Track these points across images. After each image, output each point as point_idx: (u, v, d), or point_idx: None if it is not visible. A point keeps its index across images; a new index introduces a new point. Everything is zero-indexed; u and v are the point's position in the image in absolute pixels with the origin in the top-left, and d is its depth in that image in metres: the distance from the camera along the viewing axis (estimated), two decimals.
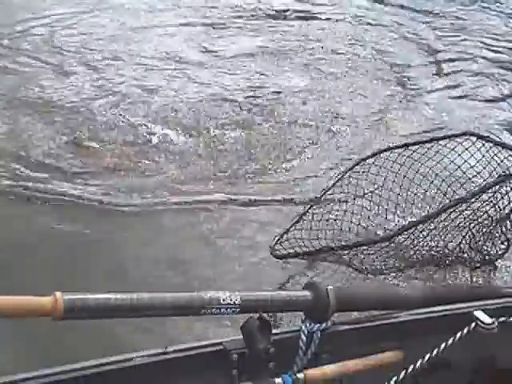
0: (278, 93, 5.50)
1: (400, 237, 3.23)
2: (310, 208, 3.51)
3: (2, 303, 1.12)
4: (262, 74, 5.85)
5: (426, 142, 3.59)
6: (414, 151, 3.52)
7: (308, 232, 3.41)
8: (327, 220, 3.48)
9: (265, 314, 1.39)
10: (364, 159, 3.66)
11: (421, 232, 3.21)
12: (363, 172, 3.58)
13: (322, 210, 3.54)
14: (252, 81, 5.72)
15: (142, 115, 5.00)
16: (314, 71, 5.94)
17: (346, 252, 3.24)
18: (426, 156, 3.49)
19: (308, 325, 1.45)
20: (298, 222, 3.45)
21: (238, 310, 1.35)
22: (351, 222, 3.51)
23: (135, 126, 4.84)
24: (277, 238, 3.39)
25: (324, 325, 1.46)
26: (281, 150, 4.68)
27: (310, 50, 6.35)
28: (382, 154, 3.63)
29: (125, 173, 4.31)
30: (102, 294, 1.24)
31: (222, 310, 1.33)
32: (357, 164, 3.65)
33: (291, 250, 3.33)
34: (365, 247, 3.20)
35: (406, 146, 3.59)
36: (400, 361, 1.54)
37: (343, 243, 3.29)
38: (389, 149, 3.66)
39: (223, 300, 1.33)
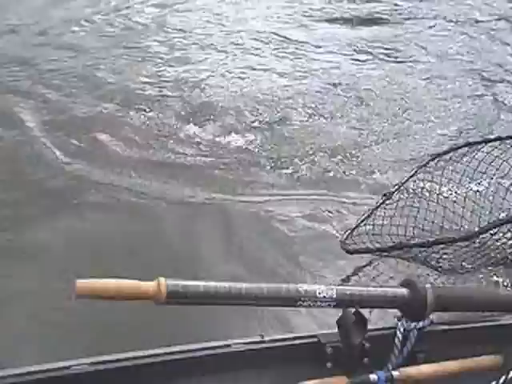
0: None
1: (481, 237, 3.07)
2: (382, 202, 3.39)
3: (109, 286, 1.19)
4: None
5: (508, 137, 3.42)
6: (495, 147, 3.36)
7: (380, 227, 3.28)
8: (400, 215, 3.35)
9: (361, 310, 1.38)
10: (440, 154, 3.52)
11: (505, 234, 3.05)
12: (440, 167, 3.44)
13: (394, 204, 3.41)
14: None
15: None
16: None
17: (423, 250, 3.09)
18: (507, 153, 3.33)
19: (404, 323, 1.42)
20: (369, 216, 3.34)
21: (333, 303, 1.34)
22: (425, 219, 3.37)
23: None
24: (348, 232, 3.28)
25: (421, 323, 1.42)
26: None
27: None
28: (459, 150, 3.48)
29: None
30: (203, 281, 1.27)
31: (318, 303, 1.32)
32: (432, 159, 3.51)
33: (362, 245, 3.22)
34: (443, 246, 3.05)
35: (486, 141, 3.44)
36: (499, 366, 1.48)
37: (419, 240, 3.15)
38: (467, 144, 3.51)
39: (319, 293, 1.32)
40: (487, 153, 3.38)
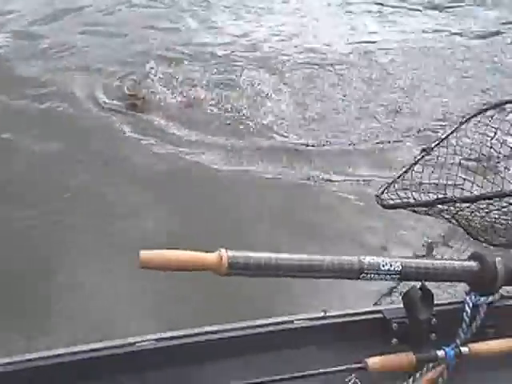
0: None
1: None
2: (421, 158, 3.23)
3: (172, 258, 1.20)
4: None
5: None
6: None
7: (418, 183, 3.13)
8: (440, 172, 3.19)
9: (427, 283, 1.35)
10: (485, 110, 3.34)
11: None
12: (484, 123, 3.26)
13: (434, 160, 3.25)
14: None
15: None
16: None
17: (465, 206, 2.92)
18: None
19: (473, 297, 1.37)
20: (407, 171, 3.18)
21: (397, 276, 1.30)
22: (464, 178, 3.21)
23: None
24: (384, 187, 3.13)
25: (491, 298, 1.38)
26: None
27: None
28: (506, 106, 3.29)
29: None
30: (263, 252, 1.25)
31: (382, 275, 1.29)
32: (477, 114, 3.33)
33: (399, 201, 3.06)
34: (488, 202, 2.88)
35: None
36: None
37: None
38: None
39: (383, 266, 1.28)
40: None
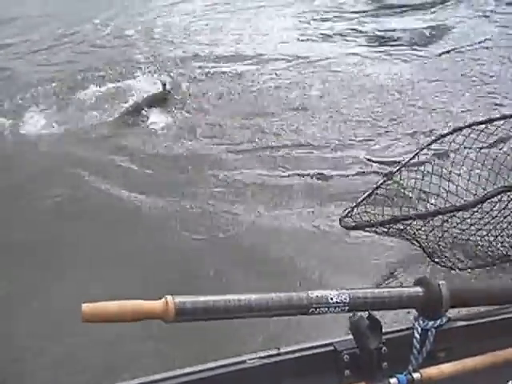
0: None
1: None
2: (383, 182, 3.32)
3: (116, 309, 1.17)
4: None
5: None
6: (498, 127, 3.30)
7: (381, 208, 3.21)
8: (402, 196, 3.28)
9: (374, 312, 1.34)
10: (443, 135, 3.45)
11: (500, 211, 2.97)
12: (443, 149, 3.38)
13: (395, 185, 3.34)
14: None
15: None
16: None
17: (423, 225, 2.99)
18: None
19: (421, 322, 1.37)
20: (370, 195, 3.27)
21: (346, 308, 1.30)
22: (427, 201, 3.30)
23: None
24: (347, 211, 3.21)
25: (439, 321, 1.38)
26: None
27: None
28: (463, 131, 3.41)
29: None
30: (211, 296, 1.23)
31: (331, 309, 1.28)
32: (435, 140, 3.44)
33: (361, 222, 3.14)
34: (441, 217, 2.96)
35: (490, 120, 3.37)
36: None
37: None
38: (471, 125, 3.44)
39: (331, 299, 1.28)
40: (491, 133, 3.32)
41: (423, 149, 3.47)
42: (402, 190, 3.33)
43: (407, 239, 3.15)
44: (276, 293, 1.27)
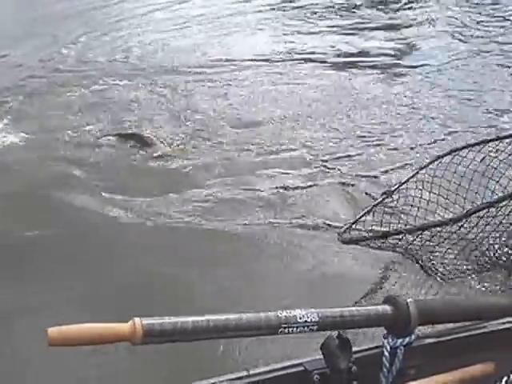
0: None
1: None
2: (381, 201, 3.45)
3: (82, 332, 1.16)
4: None
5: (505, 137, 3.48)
6: (493, 148, 3.41)
7: (379, 224, 3.34)
8: (399, 213, 3.40)
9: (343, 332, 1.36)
10: (441, 156, 3.57)
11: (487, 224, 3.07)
12: (440, 169, 3.49)
13: (394, 203, 3.47)
14: None
15: None
16: None
17: (415, 237, 3.11)
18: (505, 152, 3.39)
19: (390, 340, 1.38)
20: (368, 212, 3.39)
21: (315, 327, 1.30)
22: (425, 219, 3.41)
23: None
24: (346, 226, 3.34)
25: (407, 339, 1.38)
26: None
27: None
28: (460, 152, 3.53)
29: None
30: (180, 317, 1.23)
31: (300, 328, 1.29)
32: (433, 161, 3.56)
33: (358, 236, 3.27)
34: (434, 230, 3.07)
35: (485, 142, 3.49)
36: (492, 373, 1.46)
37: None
38: (467, 146, 3.56)
39: (300, 318, 1.29)
40: (487, 155, 3.44)
41: (422, 169, 3.59)
42: (400, 208, 3.45)
43: (400, 253, 3.27)
44: (245, 313, 1.27)
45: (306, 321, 1.28)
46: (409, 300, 1.39)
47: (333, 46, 7.41)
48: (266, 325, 1.27)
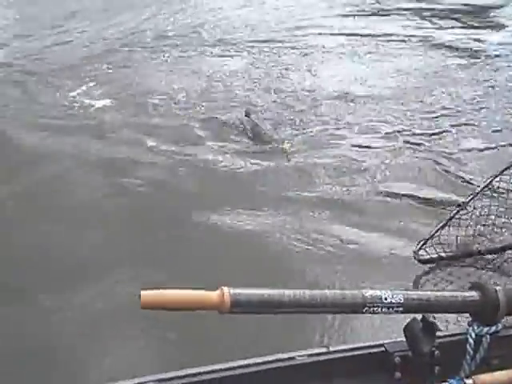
0: None
1: None
2: (456, 213, 3.43)
3: (173, 297, 1.19)
4: None
5: None
6: None
7: (454, 238, 3.33)
8: (475, 226, 3.38)
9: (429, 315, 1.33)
10: None
11: None
12: None
13: (469, 215, 3.45)
14: None
15: None
16: None
17: (496, 256, 3.09)
18: None
19: (476, 328, 1.34)
20: (443, 227, 3.38)
21: (400, 309, 1.27)
22: (501, 228, 3.38)
23: None
24: (421, 243, 3.34)
25: (494, 328, 1.35)
26: None
27: None
28: None
29: None
30: (266, 289, 1.23)
31: (384, 309, 1.26)
32: (507, 168, 3.51)
33: (435, 255, 3.27)
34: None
35: None
36: None
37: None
38: None
39: (385, 299, 1.26)
40: None
41: (496, 177, 3.54)
42: (475, 220, 3.42)
43: (479, 269, 3.25)
44: (330, 290, 1.26)
45: (391, 301, 1.26)
46: (498, 288, 1.35)
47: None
48: (352, 303, 1.26)
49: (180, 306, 1.20)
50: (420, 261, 3.27)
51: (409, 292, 1.30)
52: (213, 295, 1.20)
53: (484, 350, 1.33)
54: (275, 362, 1.31)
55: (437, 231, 3.36)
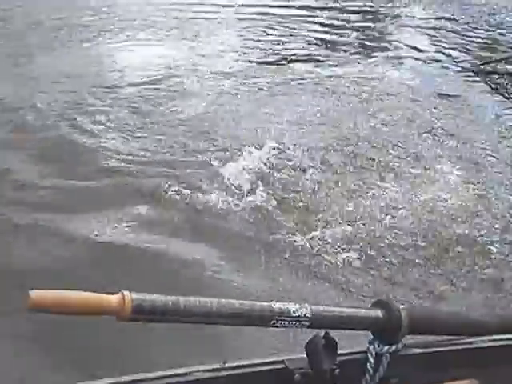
0: None
1: None
2: None
3: (67, 299, 1.08)
4: None
5: None
6: None
7: None
8: None
9: (331, 332, 1.30)
10: None
11: None
12: None
13: None
14: None
15: None
16: None
17: None
18: None
19: (376, 346, 1.32)
20: None
21: (307, 323, 1.25)
22: None
23: None
24: None
25: (394, 347, 1.33)
26: None
27: None
28: None
29: None
30: (172, 296, 1.16)
31: (292, 322, 1.23)
32: None
33: None
34: None
35: None
36: None
37: None
38: None
39: (293, 312, 1.23)
40: None
41: None
42: None
43: None
44: (239, 300, 1.22)
45: (299, 316, 1.24)
46: (401, 307, 1.34)
47: None
48: (259, 316, 1.23)
49: (74, 310, 1.10)
50: None
51: (316, 306, 1.27)
52: (112, 299, 1.11)
53: (383, 368, 1.32)
54: (170, 377, 1.26)
55: None
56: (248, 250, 3.76)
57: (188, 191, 4.23)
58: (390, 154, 4.86)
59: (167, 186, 4.28)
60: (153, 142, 4.96)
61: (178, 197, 4.19)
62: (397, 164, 4.71)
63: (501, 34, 7.71)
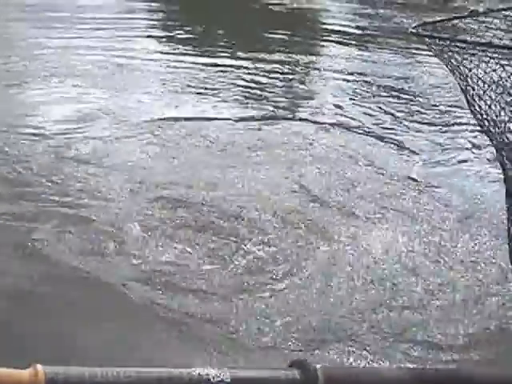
0: None
1: None
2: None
3: None
4: None
5: None
6: None
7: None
8: None
9: None
10: None
11: None
12: None
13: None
14: None
15: None
16: None
17: None
18: None
19: None
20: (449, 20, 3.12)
21: None
22: None
23: None
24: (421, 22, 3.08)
25: None
26: None
27: None
28: None
29: None
30: (87, 368, 1.13)
31: None
32: None
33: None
34: None
35: None
36: None
37: None
38: None
39: (213, 378, 1.25)
40: None
41: None
42: None
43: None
44: (157, 368, 1.20)
45: (218, 381, 1.24)
46: (318, 366, 1.35)
47: None
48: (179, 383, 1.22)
49: None
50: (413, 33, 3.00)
51: (235, 370, 1.28)
52: (23, 374, 1.07)
53: None
54: None
55: (441, 21, 3.08)
56: None
57: None
58: None
59: None
60: None
61: None
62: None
63: None
